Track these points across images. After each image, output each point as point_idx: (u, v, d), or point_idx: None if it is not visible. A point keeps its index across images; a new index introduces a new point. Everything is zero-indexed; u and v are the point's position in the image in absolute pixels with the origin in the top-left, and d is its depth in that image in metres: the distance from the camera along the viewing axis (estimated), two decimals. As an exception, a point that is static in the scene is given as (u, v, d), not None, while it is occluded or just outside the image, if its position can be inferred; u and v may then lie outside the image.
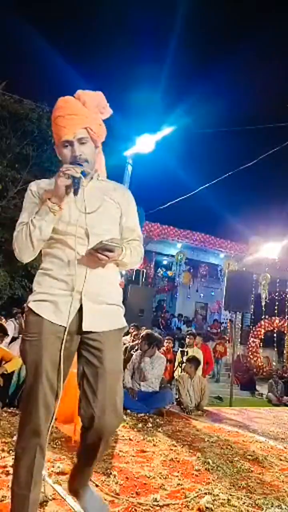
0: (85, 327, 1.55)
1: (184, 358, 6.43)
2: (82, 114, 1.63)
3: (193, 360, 5.76)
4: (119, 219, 1.72)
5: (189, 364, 5.65)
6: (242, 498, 2.43)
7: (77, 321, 1.56)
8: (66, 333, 1.53)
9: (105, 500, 2.19)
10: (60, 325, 1.54)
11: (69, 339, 1.56)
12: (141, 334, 5.59)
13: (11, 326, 5.17)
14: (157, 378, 5.09)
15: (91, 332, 1.57)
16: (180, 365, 6.56)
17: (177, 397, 5.52)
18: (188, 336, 7.32)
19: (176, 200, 12.11)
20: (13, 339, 5.40)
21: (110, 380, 1.56)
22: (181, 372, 6.19)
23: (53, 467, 2.57)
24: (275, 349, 13.39)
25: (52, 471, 2.50)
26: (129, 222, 1.75)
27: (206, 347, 8.15)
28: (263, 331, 13.46)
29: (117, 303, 1.67)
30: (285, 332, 13.34)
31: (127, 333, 6.33)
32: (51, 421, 1.55)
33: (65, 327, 1.53)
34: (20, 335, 5.16)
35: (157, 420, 4.38)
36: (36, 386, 1.51)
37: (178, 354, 7.05)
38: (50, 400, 1.53)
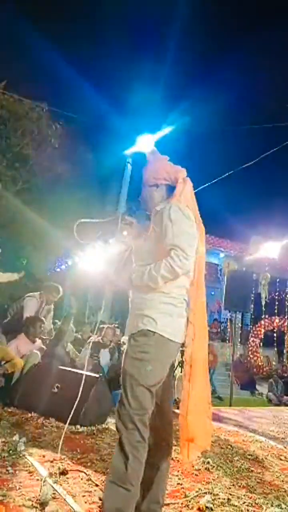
0: None
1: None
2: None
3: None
4: (160, 241, 1.89)
5: None
6: (242, 498, 2.43)
7: None
8: None
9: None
10: None
11: None
12: None
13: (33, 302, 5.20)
14: None
15: None
16: (180, 364, 6.55)
17: (176, 397, 5.51)
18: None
19: (176, 200, 12.06)
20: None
21: (121, 381, 1.84)
22: (181, 371, 6.18)
23: (53, 467, 2.57)
24: (275, 348, 13.39)
25: (52, 471, 2.50)
26: (164, 241, 1.87)
27: None
28: (263, 330, 13.45)
29: (141, 311, 1.87)
30: (285, 331, 13.35)
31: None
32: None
33: None
34: (20, 335, 5.14)
35: (157, 419, 4.38)
36: None
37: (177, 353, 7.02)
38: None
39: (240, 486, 2.65)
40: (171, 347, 1.87)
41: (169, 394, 1.98)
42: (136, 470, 1.72)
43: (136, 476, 1.72)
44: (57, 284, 5.58)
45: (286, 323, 13.32)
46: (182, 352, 6.51)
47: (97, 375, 4.02)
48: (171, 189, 2.04)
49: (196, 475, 2.78)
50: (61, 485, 2.32)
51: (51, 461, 2.67)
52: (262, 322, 13.48)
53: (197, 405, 1.88)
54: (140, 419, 1.76)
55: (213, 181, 10.20)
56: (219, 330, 14.17)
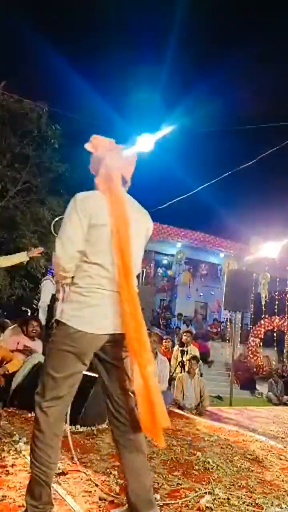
0: None
1: (184, 358, 6.42)
2: None
3: (195, 358, 5.78)
4: None
5: (193, 361, 5.66)
6: (242, 498, 2.43)
7: None
8: None
9: (105, 500, 2.19)
10: None
11: None
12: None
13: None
14: (163, 382, 5.04)
15: None
16: (180, 364, 6.55)
17: (174, 396, 5.51)
18: (184, 334, 7.30)
19: (176, 200, 12.10)
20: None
21: None
22: (181, 372, 6.18)
23: (53, 467, 2.56)
24: (275, 348, 13.39)
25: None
26: None
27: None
28: (263, 330, 13.46)
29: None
30: (285, 331, 13.34)
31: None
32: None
33: None
34: (21, 334, 5.13)
35: (157, 419, 4.38)
36: None
37: (177, 353, 7.00)
38: None
39: (240, 486, 2.65)
40: (80, 337, 1.81)
41: (121, 386, 1.92)
42: (33, 454, 1.80)
43: (34, 458, 1.79)
44: None
45: (286, 323, 13.32)
46: (182, 352, 6.47)
47: (96, 375, 4.01)
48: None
49: (196, 475, 2.78)
50: (61, 485, 2.32)
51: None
52: (262, 322, 13.49)
53: (157, 392, 1.84)
54: (40, 408, 1.81)
55: (213, 181, 10.20)
56: (219, 330, 14.18)
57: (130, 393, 1.92)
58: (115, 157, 1.99)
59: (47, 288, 5.42)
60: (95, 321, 1.83)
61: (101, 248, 1.86)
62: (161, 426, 1.83)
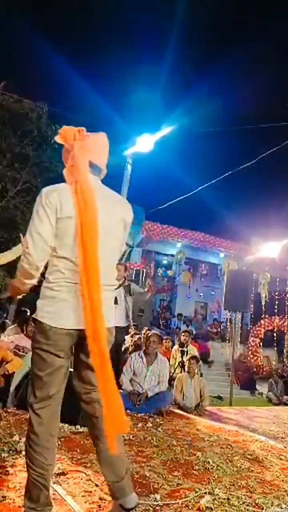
0: None
1: (184, 358, 6.42)
2: None
3: (194, 358, 5.78)
4: None
5: (192, 361, 5.66)
6: (242, 498, 2.43)
7: None
8: None
9: (105, 500, 2.19)
10: None
11: None
12: (149, 335, 5.19)
13: None
14: (163, 382, 5.03)
15: None
16: (180, 364, 6.55)
17: (174, 397, 5.51)
18: (183, 334, 7.29)
19: (176, 200, 12.12)
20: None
21: None
22: (181, 372, 6.18)
23: (53, 467, 2.56)
24: (275, 348, 13.40)
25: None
26: None
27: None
28: (263, 330, 13.47)
29: None
30: (285, 331, 13.35)
31: (127, 333, 6.32)
32: None
33: None
34: (21, 333, 5.15)
35: (157, 419, 4.38)
36: None
37: (176, 353, 7.00)
38: None
39: (240, 486, 2.65)
40: (54, 333, 1.80)
41: (90, 382, 1.89)
42: (29, 456, 1.79)
43: (31, 462, 1.78)
44: None
45: (286, 323, 13.33)
46: (182, 352, 6.44)
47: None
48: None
49: (196, 475, 2.78)
50: (61, 485, 2.32)
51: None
52: (262, 322, 13.50)
53: (113, 395, 1.77)
54: (32, 409, 1.82)
55: (213, 181, 10.21)
56: (219, 330, 14.19)
57: (97, 390, 1.86)
58: (83, 146, 1.90)
59: None
60: (65, 316, 1.81)
61: (67, 241, 1.82)
62: (113, 431, 1.76)
